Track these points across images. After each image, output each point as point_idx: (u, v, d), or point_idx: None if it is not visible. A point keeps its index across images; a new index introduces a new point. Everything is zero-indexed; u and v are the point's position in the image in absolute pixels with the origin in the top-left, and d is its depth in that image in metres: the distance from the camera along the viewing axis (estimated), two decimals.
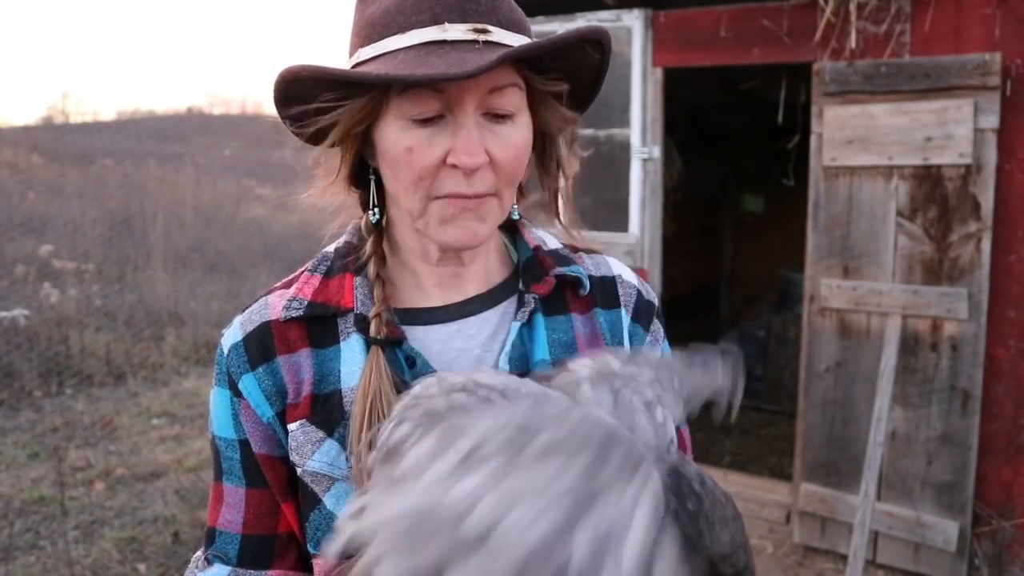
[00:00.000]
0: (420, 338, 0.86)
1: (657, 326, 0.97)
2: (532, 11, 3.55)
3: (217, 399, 0.88)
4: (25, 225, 8.34)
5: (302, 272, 0.90)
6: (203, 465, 4.47)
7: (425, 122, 0.77)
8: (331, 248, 0.92)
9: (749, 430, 5.28)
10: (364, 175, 0.88)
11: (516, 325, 0.87)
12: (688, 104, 5.40)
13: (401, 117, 0.77)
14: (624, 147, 3.78)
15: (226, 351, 0.87)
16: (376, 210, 0.88)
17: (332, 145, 0.82)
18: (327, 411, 0.83)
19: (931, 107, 3.11)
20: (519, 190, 0.91)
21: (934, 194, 3.16)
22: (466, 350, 0.87)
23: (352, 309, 0.85)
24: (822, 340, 3.48)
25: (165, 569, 3.44)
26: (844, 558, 3.30)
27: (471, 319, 0.89)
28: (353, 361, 0.83)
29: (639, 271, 1.04)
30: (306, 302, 0.85)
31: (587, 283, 0.91)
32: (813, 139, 3.41)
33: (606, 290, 0.94)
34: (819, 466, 3.54)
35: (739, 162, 6.66)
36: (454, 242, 0.82)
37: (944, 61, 3.08)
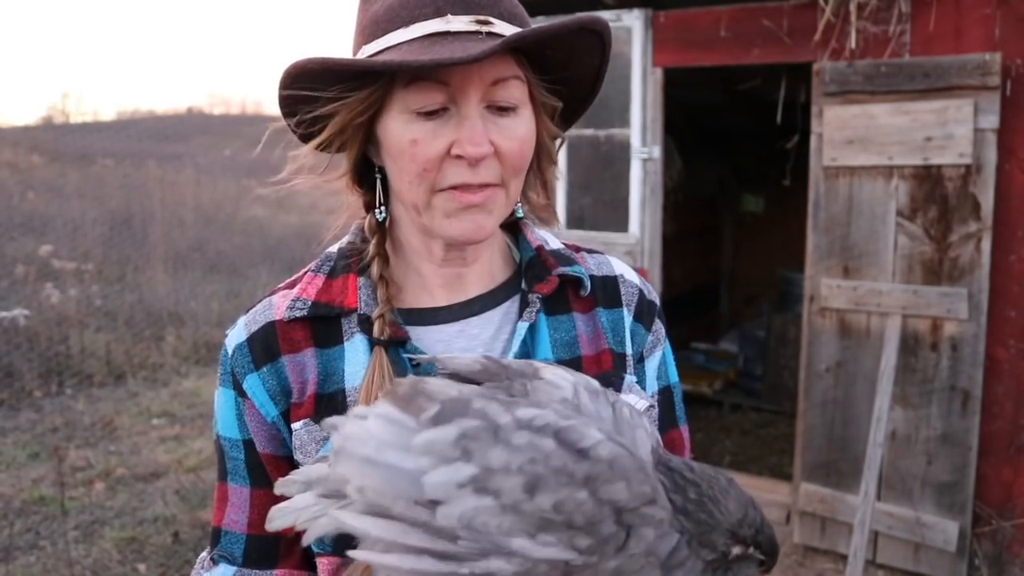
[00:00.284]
0: (423, 338, 0.87)
1: (659, 326, 0.97)
2: (532, 10, 3.54)
3: (222, 399, 0.88)
4: (25, 225, 8.34)
5: (305, 272, 0.90)
6: (203, 465, 4.47)
7: (429, 115, 0.77)
8: (334, 248, 0.92)
9: (749, 430, 5.28)
10: (369, 176, 0.88)
11: (523, 326, 0.87)
12: (688, 104, 5.40)
13: (405, 110, 0.78)
14: (624, 147, 3.78)
15: (230, 351, 0.87)
16: (382, 209, 0.88)
17: (334, 140, 0.82)
18: (331, 410, 0.83)
19: (931, 107, 3.11)
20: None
21: (934, 194, 3.16)
22: (469, 350, 0.88)
23: (356, 309, 0.85)
24: (822, 340, 3.48)
25: (165, 569, 3.44)
26: (844, 558, 3.30)
27: (474, 319, 0.89)
28: (357, 361, 0.84)
29: (639, 271, 1.04)
30: (310, 302, 0.86)
31: (588, 283, 0.91)
32: (813, 139, 3.41)
33: (608, 290, 0.94)
34: (819, 466, 3.54)
35: (739, 162, 6.66)
36: (460, 236, 0.82)
37: (944, 61, 3.08)
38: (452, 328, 0.88)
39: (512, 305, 0.91)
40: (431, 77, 0.76)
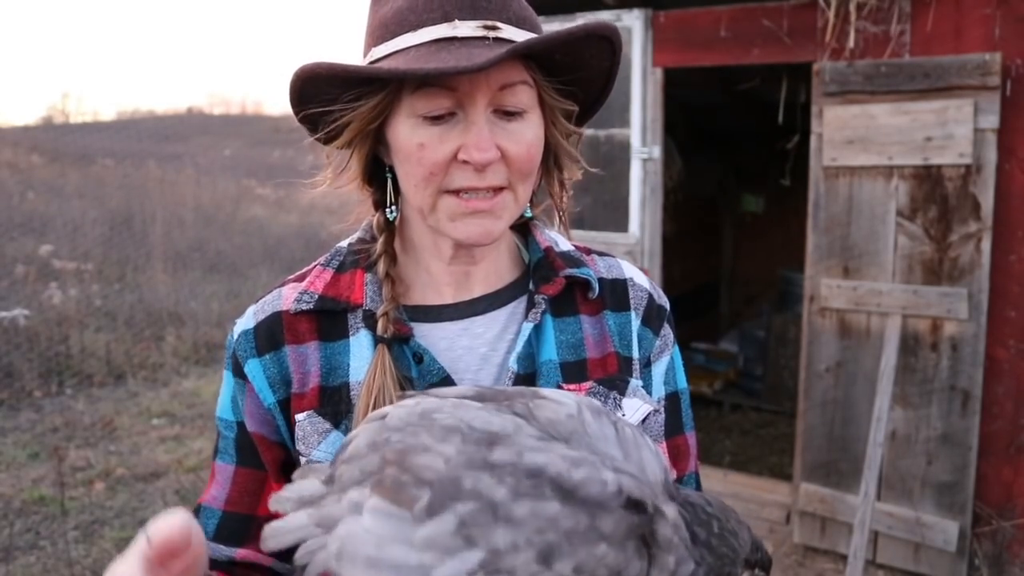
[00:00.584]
0: (427, 335, 0.87)
1: (667, 331, 0.97)
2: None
3: (224, 382, 0.91)
4: (25, 225, 8.34)
5: (315, 266, 0.92)
6: (203, 465, 4.47)
7: (437, 119, 0.78)
8: (344, 244, 0.94)
9: (749, 430, 5.28)
10: (379, 173, 0.89)
11: (528, 326, 0.87)
12: (688, 104, 5.40)
13: (413, 115, 0.78)
14: (624, 147, 3.78)
15: (236, 336, 0.89)
16: (393, 208, 0.89)
17: (347, 144, 0.83)
18: (334, 403, 0.84)
19: (931, 107, 3.11)
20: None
21: (934, 194, 3.16)
22: (472, 348, 0.88)
23: (361, 305, 0.86)
24: (822, 340, 3.48)
25: None
26: (844, 558, 3.30)
27: (479, 318, 0.89)
28: (361, 356, 0.85)
29: (643, 272, 1.04)
30: (316, 296, 0.87)
31: (596, 285, 0.91)
32: (813, 139, 3.41)
33: (617, 293, 0.94)
34: (819, 466, 3.54)
35: (739, 162, 6.66)
36: (466, 239, 0.82)
37: (944, 61, 3.08)
38: (456, 326, 0.89)
39: (519, 305, 0.91)
40: (438, 83, 0.76)
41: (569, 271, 0.90)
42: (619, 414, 0.87)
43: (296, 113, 0.83)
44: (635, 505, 0.60)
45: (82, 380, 5.93)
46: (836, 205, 3.37)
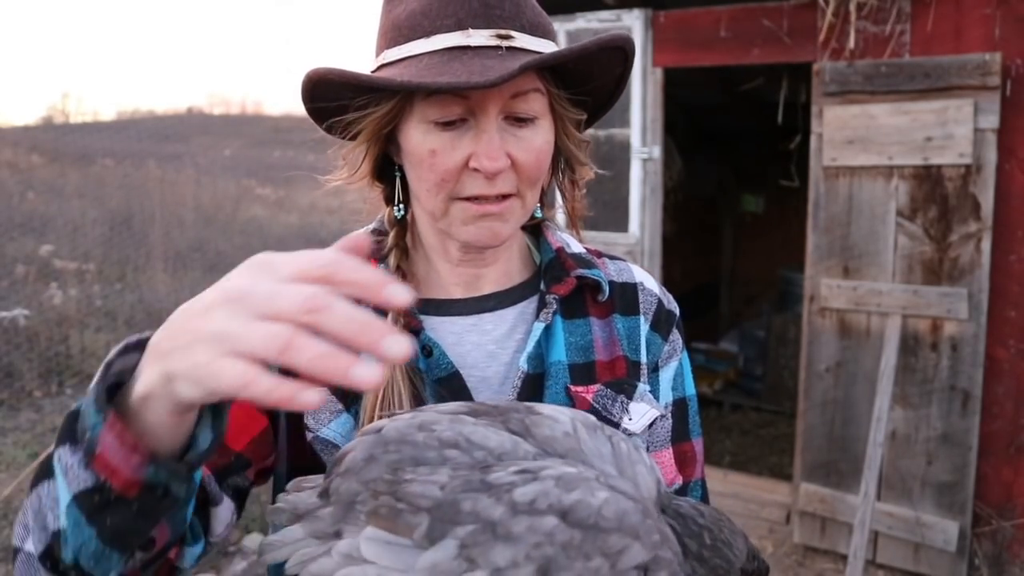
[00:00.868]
0: (436, 328, 0.87)
1: (676, 336, 0.97)
2: None
3: None
4: (25, 225, 8.33)
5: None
6: None
7: (448, 125, 0.78)
8: (360, 232, 0.93)
9: (749, 430, 5.28)
10: (389, 170, 0.90)
11: (539, 326, 0.87)
12: (688, 104, 5.40)
13: (425, 120, 0.79)
14: (624, 147, 3.78)
15: None
16: (401, 206, 0.90)
17: (359, 145, 0.84)
18: (344, 387, 0.83)
19: (931, 107, 3.11)
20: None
21: (934, 194, 3.16)
22: (480, 344, 0.88)
23: None
24: (822, 340, 3.48)
25: None
26: (844, 558, 3.30)
27: (488, 315, 0.90)
28: None
29: None
30: None
31: (607, 288, 0.91)
32: (813, 139, 3.41)
33: (626, 296, 0.94)
34: (819, 466, 3.54)
35: (739, 162, 6.66)
36: (475, 241, 0.83)
37: (944, 61, 3.07)
38: (466, 321, 0.89)
39: (529, 305, 0.91)
40: (450, 91, 0.76)
41: (580, 271, 0.91)
42: (626, 418, 0.87)
43: (308, 111, 0.84)
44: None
45: (82, 380, 5.92)
46: (836, 205, 3.37)
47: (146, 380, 0.56)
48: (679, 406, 0.97)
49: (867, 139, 3.24)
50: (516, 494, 0.59)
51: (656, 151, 3.76)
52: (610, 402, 0.87)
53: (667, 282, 4.56)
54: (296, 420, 0.85)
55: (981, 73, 3.00)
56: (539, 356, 0.87)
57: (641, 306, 0.94)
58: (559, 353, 0.87)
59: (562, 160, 0.90)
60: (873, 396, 3.24)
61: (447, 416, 0.66)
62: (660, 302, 0.96)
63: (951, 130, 3.08)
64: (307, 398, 0.47)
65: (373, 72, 0.83)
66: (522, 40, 0.78)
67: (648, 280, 0.97)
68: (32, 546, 0.64)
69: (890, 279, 3.28)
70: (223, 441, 0.69)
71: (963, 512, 3.21)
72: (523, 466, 0.61)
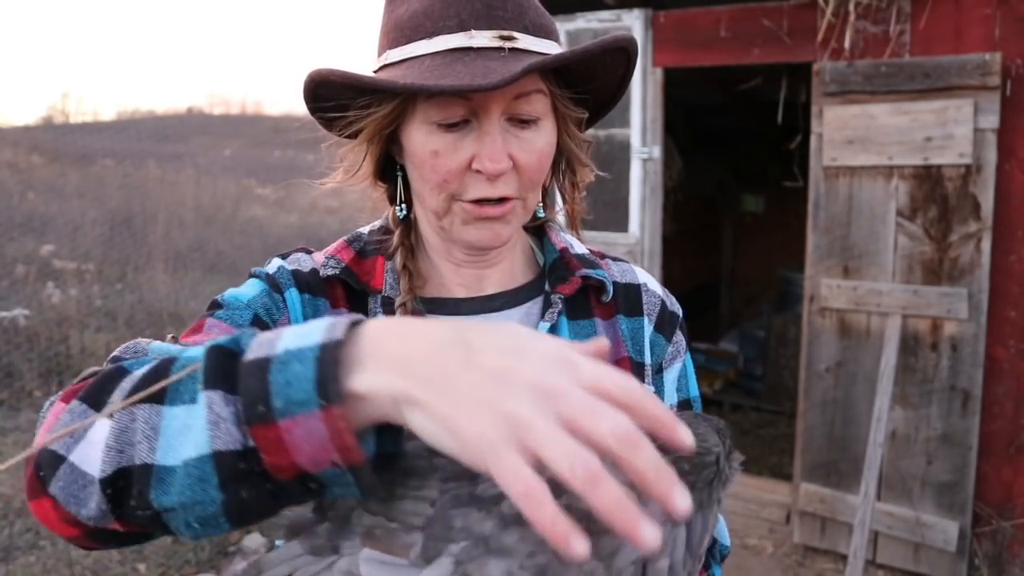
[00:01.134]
0: None
1: (680, 337, 0.97)
2: None
3: (248, 285, 0.85)
4: (25, 225, 8.33)
5: (338, 241, 0.92)
6: None
7: (450, 127, 0.78)
8: (365, 229, 0.94)
9: (749, 430, 5.28)
10: (391, 170, 0.90)
11: (544, 327, 0.87)
12: (688, 104, 5.40)
13: (427, 122, 0.79)
14: (624, 147, 3.78)
15: (272, 269, 0.86)
16: (403, 206, 0.91)
17: (361, 145, 0.84)
18: None
19: (931, 107, 3.11)
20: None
21: (934, 194, 3.16)
22: None
23: (382, 291, 0.87)
24: (822, 340, 3.48)
25: (165, 569, 3.44)
26: (844, 558, 3.30)
27: (494, 315, 0.90)
28: None
29: None
30: (343, 264, 0.88)
31: (611, 288, 0.92)
32: (813, 139, 3.41)
33: (630, 297, 0.94)
34: (819, 466, 3.54)
35: (739, 162, 6.66)
36: (477, 242, 0.84)
37: (944, 61, 3.08)
38: (471, 321, 0.89)
39: (534, 306, 0.91)
40: (453, 93, 0.76)
41: (585, 271, 0.91)
42: None
43: (310, 111, 0.84)
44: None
45: None
46: (836, 205, 3.37)
47: (372, 385, 0.51)
48: (684, 407, 0.97)
49: (867, 139, 3.24)
50: (504, 506, 0.58)
51: (656, 151, 3.76)
52: None
53: (667, 282, 4.57)
54: None
55: (981, 73, 3.00)
56: None
57: (645, 307, 0.94)
58: None
59: (563, 161, 0.90)
60: (873, 396, 3.24)
61: (427, 497, 0.65)
62: (664, 303, 0.96)
63: (951, 130, 3.08)
64: (577, 550, 0.43)
65: (375, 72, 0.83)
66: (525, 41, 0.78)
67: (651, 281, 0.98)
68: (92, 465, 0.55)
69: (890, 279, 3.28)
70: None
71: (963, 512, 3.21)
72: None
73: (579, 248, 0.96)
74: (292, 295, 0.85)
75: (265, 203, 12.83)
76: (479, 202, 0.81)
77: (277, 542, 0.66)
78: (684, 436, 0.47)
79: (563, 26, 3.77)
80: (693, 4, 3.61)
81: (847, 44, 3.25)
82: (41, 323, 6.20)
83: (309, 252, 0.91)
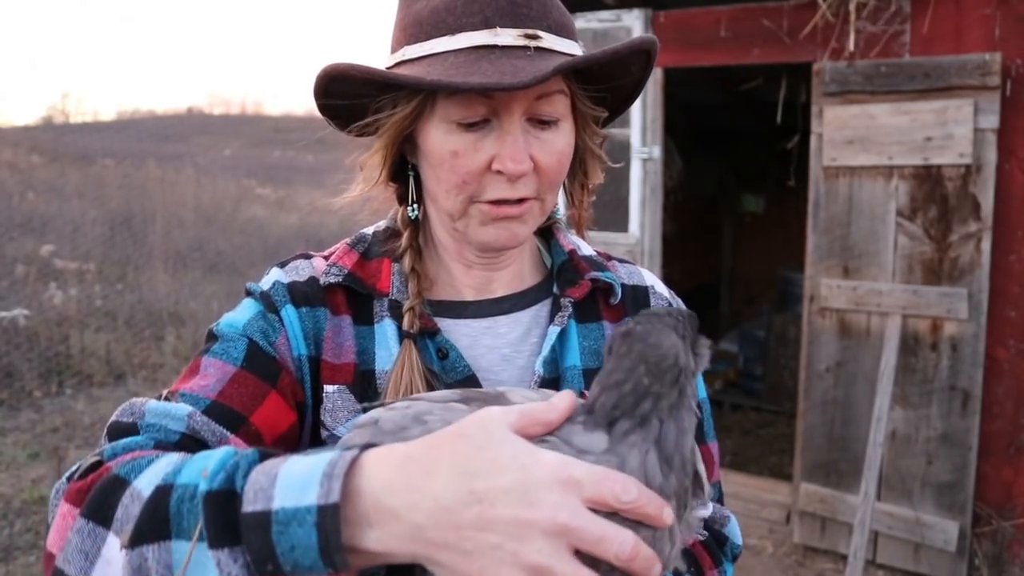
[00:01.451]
0: (451, 331, 0.86)
1: None
2: None
3: (243, 307, 0.84)
4: (25, 225, 8.33)
5: (341, 245, 0.90)
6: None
7: (471, 126, 0.77)
8: (369, 231, 0.93)
9: (749, 430, 5.28)
10: (402, 169, 0.88)
11: (555, 330, 0.86)
12: (688, 104, 5.40)
13: (446, 120, 0.77)
14: (624, 147, 3.78)
15: (268, 285, 0.85)
16: (415, 206, 0.88)
17: (379, 146, 0.82)
18: (366, 387, 0.83)
19: (931, 107, 3.11)
20: None
21: (934, 194, 3.16)
22: (495, 348, 0.87)
23: (388, 294, 0.85)
24: (822, 340, 3.48)
25: None
26: (844, 558, 3.30)
27: (503, 317, 0.89)
28: (386, 346, 0.84)
29: None
30: (346, 271, 0.86)
31: (619, 291, 0.91)
32: (813, 139, 3.41)
33: (638, 300, 0.94)
34: (819, 466, 3.54)
35: (739, 162, 6.66)
36: (494, 242, 0.82)
37: (944, 61, 3.07)
38: (480, 324, 0.88)
39: (542, 308, 0.91)
40: (482, 92, 0.74)
41: (594, 274, 0.90)
42: None
43: (320, 107, 0.82)
44: None
45: (82, 380, 5.93)
46: (836, 205, 3.37)
47: (387, 547, 0.55)
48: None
49: (867, 139, 3.24)
50: None
51: (656, 151, 3.76)
52: None
53: (667, 282, 4.55)
54: (318, 419, 0.84)
55: (981, 73, 3.00)
56: (554, 360, 0.87)
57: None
58: (574, 358, 0.86)
59: (577, 162, 0.89)
60: (873, 396, 3.24)
61: (439, 405, 0.66)
62: (671, 305, 0.96)
63: (951, 130, 3.08)
64: None
65: (389, 68, 0.81)
66: (549, 40, 0.77)
67: (658, 284, 0.97)
68: None
69: (890, 279, 3.28)
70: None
71: (963, 512, 3.21)
72: None
73: (586, 250, 0.95)
74: (288, 313, 0.83)
75: (265, 203, 12.83)
76: (497, 202, 0.79)
77: None
78: (667, 519, 0.56)
79: None
80: (693, 4, 3.61)
81: (847, 44, 3.26)
82: (41, 323, 6.19)
83: (309, 257, 0.89)
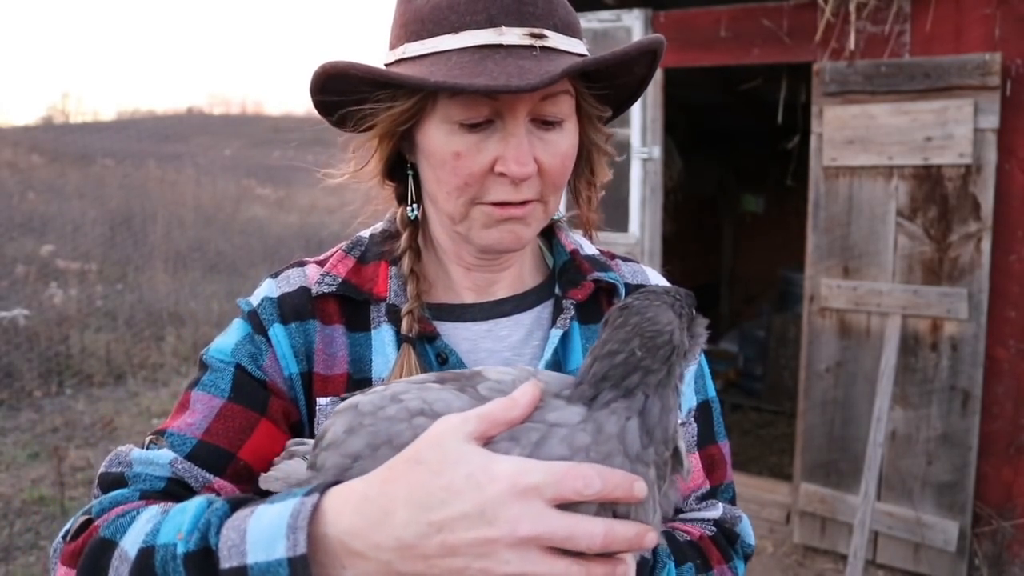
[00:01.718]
0: (451, 335, 0.85)
1: None
2: None
3: (233, 329, 0.84)
4: (25, 225, 8.34)
5: (336, 251, 0.89)
6: None
7: (473, 127, 0.75)
8: (366, 233, 0.91)
9: (749, 430, 5.28)
10: (400, 170, 0.86)
11: (556, 333, 0.85)
12: (688, 104, 5.40)
13: (448, 120, 0.75)
14: (624, 147, 3.78)
15: (257, 302, 0.84)
16: (414, 206, 0.86)
17: (372, 141, 0.81)
18: None
19: (931, 107, 3.11)
20: None
21: (934, 194, 3.16)
22: (495, 351, 0.86)
23: (385, 299, 0.84)
24: (822, 340, 3.48)
25: None
26: (844, 558, 3.30)
27: (503, 320, 0.87)
28: (384, 352, 0.82)
29: None
30: (340, 279, 0.84)
31: (623, 291, 0.89)
32: (813, 139, 3.41)
33: None
34: (819, 466, 3.54)
35: (739, 162, 6.66)
36: (496, 244, 0.80)
37: (944, 61, 3.07)
38: (480, 327, 0.87)
39: (544, 310, 0.89)
40: (487, 93, 0.72)
41: (597, 275, 0.88)
42: None
43: (316, 104, 0.80)
44: None
45: (82, 380, 5.93)
46: (836, 205, 3.37)
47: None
48: (703, 410, 0.94)
49: (867, 139, 3.24)
50: None
51: (656, 151, 3.76)
52: None
53: (667, 282, 4.56)
54: (313, 432, 0.83)
55: (981, 73, 3.00)
56: (557, 363, 0.85)
57: None
58: (577, 360, 0.85)
59: (582, 161, 0.87)
60: (873, 396, 3.24)
61: (416, 385, 0.67)
62: None
63: (951, 130, 3.08)
64: None
65: (388, 66, 0.79)
66: (555, 40, 0.75)
67: (663, 283, 0.95)
68: None
69: (890, 279, 3.28)
70: None
71: (963, 512, 3.21)
72: None
73: (589, 249, 0.93)
74: (276, 332, 0.82)
75: (265, 203, 12.84)
76: (501, 203, 0.77)
77: None
78: (639, 493, 0.56)
79: None
80: (693, 4, 3.60)
81: (847, 44, 3.26)
82: (41, 323, 6.19)
83: (303, 264, 0.88)
